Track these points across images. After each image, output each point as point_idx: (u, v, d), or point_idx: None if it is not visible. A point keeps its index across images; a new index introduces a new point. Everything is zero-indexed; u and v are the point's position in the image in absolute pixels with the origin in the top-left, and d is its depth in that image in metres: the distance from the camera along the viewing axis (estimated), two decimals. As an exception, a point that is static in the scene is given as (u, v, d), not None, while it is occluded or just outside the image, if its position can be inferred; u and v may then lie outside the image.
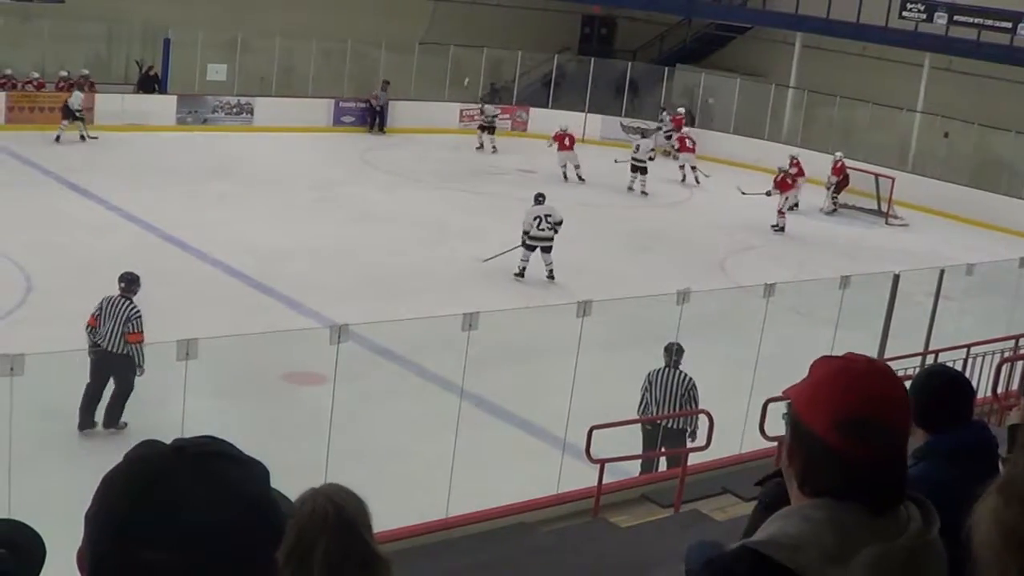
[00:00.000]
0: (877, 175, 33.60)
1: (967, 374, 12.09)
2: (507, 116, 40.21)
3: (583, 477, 12.11)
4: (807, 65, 39.19)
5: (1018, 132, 34.32)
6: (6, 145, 29.70)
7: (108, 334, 13.88)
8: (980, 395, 11.75)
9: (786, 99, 39.86)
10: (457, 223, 26.66)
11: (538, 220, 22.24)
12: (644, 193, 32.51)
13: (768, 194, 30.16)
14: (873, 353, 15.13)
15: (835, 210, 32.97)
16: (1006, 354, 14.91)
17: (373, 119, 38.09)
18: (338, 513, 3.14)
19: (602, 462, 11.78)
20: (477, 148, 36.75)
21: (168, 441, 1.81)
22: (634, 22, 45.62)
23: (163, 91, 35.51)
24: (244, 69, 37.15)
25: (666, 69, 42.32)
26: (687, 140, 35.66)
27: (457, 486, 11.70)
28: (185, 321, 14.67)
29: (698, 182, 34.19)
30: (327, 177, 30.45)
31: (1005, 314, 18.57)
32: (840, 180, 33.29)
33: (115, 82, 35.32)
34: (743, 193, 30.65)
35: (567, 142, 33.72)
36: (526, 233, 22.42)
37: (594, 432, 11.93)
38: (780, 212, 30.00)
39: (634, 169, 32.81)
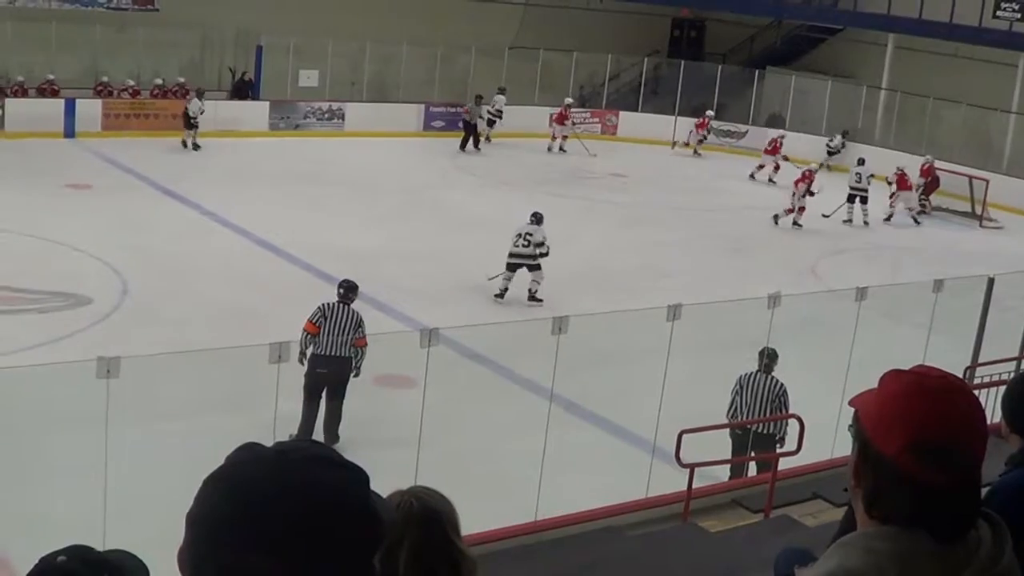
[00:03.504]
0: (971, 177, 33.16)
1: (1063, 379, 11.91)
2: (597, 120, 40.17)
3: (672, 481, 12.08)
4: (899, 66, 38.81)
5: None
6: (102, 151, 30.13)
7: (335, 340, 14.19)
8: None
9: (878, 101, 39.49)
10: (548, 227, 26.63)
11: (517, 236, 21.25)
12: (866, 223, 30.66)
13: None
14: (967, 358, 14.99)
15: (923, 211, 32.55)
16: (1103, 358, 14.68)
17: (467, 136, 36.34)
18: (424, 510, 3.16)
19: (692, 466, 11.74)
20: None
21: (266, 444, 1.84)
22: (724, 24, 45.35)
23: (256, 97, 35.84)
24: (335, 75, 37.39)
25: (756, 72, 42.06)
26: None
27: (546, 489, 11.70)
28: (275, 324, 14.82)
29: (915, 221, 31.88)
30: (418, 181, 30.58)
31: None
32: (929, 182, 32.94)
33: (209, 89, 35.72)
34: (825, 216, 30.38)
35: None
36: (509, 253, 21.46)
37: (684, 436, 11.89)
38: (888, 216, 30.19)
39: (851, 198, 30.65)
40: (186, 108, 31.47)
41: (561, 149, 36.65)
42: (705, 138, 38.77)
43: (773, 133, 37.39)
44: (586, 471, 13.68)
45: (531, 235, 21.22)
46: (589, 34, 41.20)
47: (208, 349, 13.52)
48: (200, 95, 32.25)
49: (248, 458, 1.82)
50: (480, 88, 37.48)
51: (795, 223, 29.19)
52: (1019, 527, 2.40)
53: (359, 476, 1.84)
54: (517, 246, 21.15)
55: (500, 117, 36.74)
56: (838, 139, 37.98)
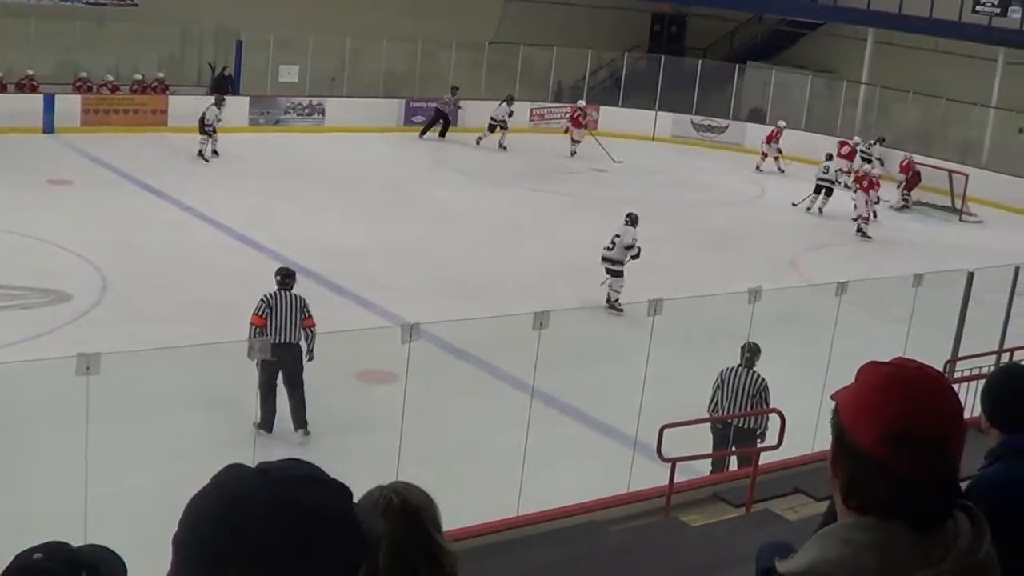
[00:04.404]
0: (951, 172, 33.29)
1: (1043, 373, 11.96)
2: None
3: (654, 476, 12.09)
4: (879, 61, 38.91)
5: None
6: (82, 147, 30.05)
7: (284, 327, 14.21)
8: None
9: (858, 96, 39.59)
10: (529, 222, 26.69)
11: (611, 240, 20.98)
12: (820, 211, 31.15)
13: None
14: (947, 352, 15.05)
15: (905, 207, 32.65)
16: (1082, 352, 14.74)
17: (431, 124, 37.04)
18: (404, 505, 3.15)
19: (673, 461, 11.75)
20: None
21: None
22: (704, 19, 45.43)
23: (236, 92, 35.74)
24: (315, 70, 37.32)
25: (736, 66, 42.09)
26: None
27: (528, 484, 11.73)
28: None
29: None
30: (399, 176, 30.58)
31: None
32: (910, 177, 33.06)
33: (189, 84, 35.62)
34: (794, 205, 30.90)
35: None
36: None
37: (665, 431, 11.91)
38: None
39: (817, 189, 31.32)
40: (203, 115, 30.95)
41: (573, 153, 35.83)
42: (781, 151, 36.65)
43: (756, 127, 37.58)
44: (568, 466, 13.71)
45: (619, 236, 20.92)
46: (569, 29, 41.23)
47: (189, 345, 13.50)
48: (219, 104, 31.32)
49: (231, 478, 1.83)
50: (460, 83, 37.53)
51: (865, 234, 29.31)
52: (997, 520, 2.40)
53: (343, 494, 1.86)
54: (607, 248, 20.91)
55: (505, 127, 36.16)
56: (877, 147, 36.81)
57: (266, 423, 13.93)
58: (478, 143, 35.71)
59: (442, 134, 36.95)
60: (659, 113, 40.22)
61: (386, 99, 37.91)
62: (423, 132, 36.78)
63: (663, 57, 42.32)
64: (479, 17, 40.21)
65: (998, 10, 35.45)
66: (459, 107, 37.34)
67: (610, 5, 42.98)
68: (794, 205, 31.25)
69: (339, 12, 36.82)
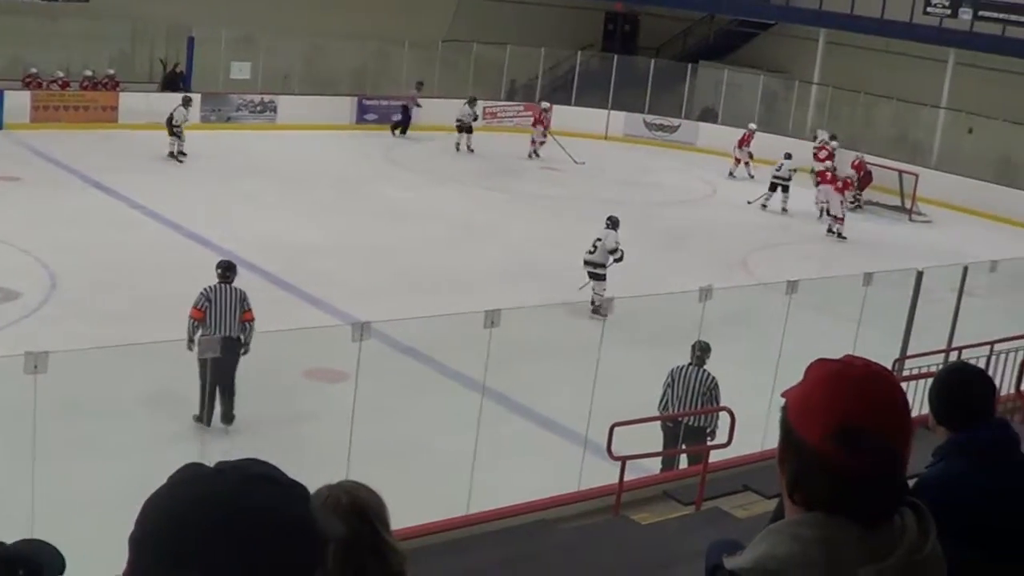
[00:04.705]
0: (901, 171, 33.55)
1: (990, 371, 12.06)
2: (530, 113, 40.17)
3: (604, 474, 12.10)
4: (831, 61, 39.11)
5: (1044, 127, 34.18)
6: (31, 143, 29.83)
7: (223, 320, 14.31)
8: (1003, 392, 11.73)
9: (810, 96, 39.78)
10: (481, 221, 26.68)
11: (592, 244, 20.87)
12: (784, 210, 31.46)
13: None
14: (896, 350, 15.13)
15: (857, 206, 32.80)
16: (1030, 351, 14.83)
17: (400, 122, 37.39)
18: (352, 504, 3.14)
19: (623, 459, 11.77)
20: (457, 148, 35.56)
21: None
22: (657, 19, 45.54)
23: (187, 89, 35.55)
24: (267, 67, 37.18)
25: (689, 66, 42.23)
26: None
27: (479, 483, 11.72)
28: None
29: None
30: (351, 175, 30.52)
31: (1029, 311, 18.49)
32: (862, 177, 33.24)
33: (140, 81, 35.40)
34: (749, 203, 31.29)
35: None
36: None
37: (615, 429, 11.92)
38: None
39: (773, 187, 31.64)
40: (170, 116, 30.75)
41: (536, 154, 35.65)
42: (752, 155, 36.17)
43: (708, 127, 37.74)
44: (518, 465, 13.70)
45: (600, 239, 20.81)
46: (522, 27, 41.26)
47: (138, 344, 13.40)
48: (186, 103, 31.24)
49: (188, 477, 1.82)
50: (413, 82, 37.53)
51: (840, 235, 29.52)
52: (944, 517, 2.41)
53: (299, 493, 1.84)
54: (589, 252, 20.83)
55: (469, 131, 35.58)
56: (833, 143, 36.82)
57: (206, 416, 14.02)
58: (457, 148, 35.18)
59: (403, 132, 37.03)
60: (612, 112, 40.31)
61: (339, 97, 37.80)
62: (402, 131, 36.96)
63: (616, 56, 42.42)
64: (432, 15, 40.19)
65: (949, 11, 35.70)
66: (419, 105, 37.28)
67: (563, 4, 43.07)
68: (749, 203, 31.51)
69: (292, 9, 36.73)
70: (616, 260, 20.68)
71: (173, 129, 30.31)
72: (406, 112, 37.30)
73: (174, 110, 30.52)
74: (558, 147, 35.04)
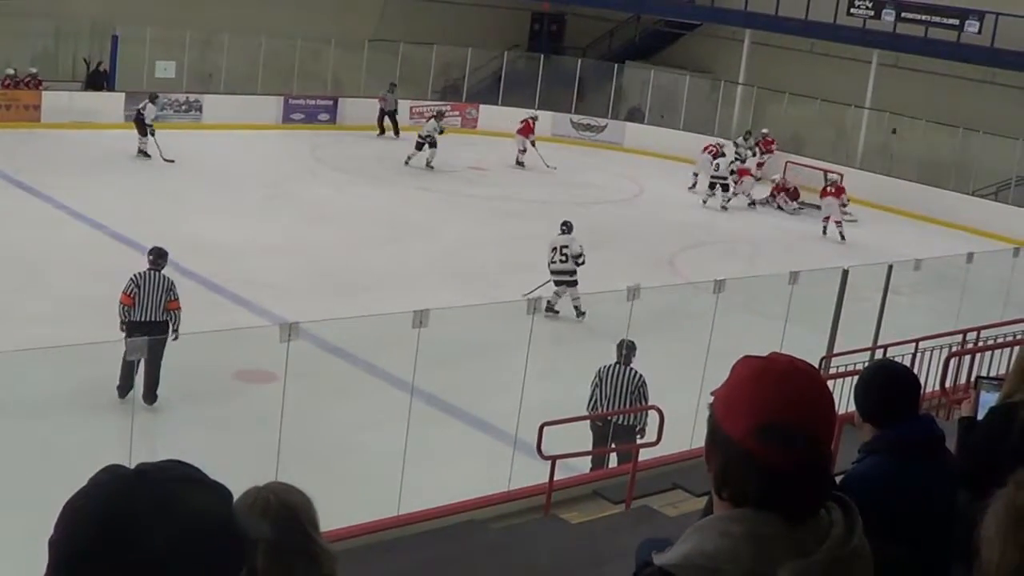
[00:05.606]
0: (826, 171, 33.83)
1: (915, 369, 12.20)
2: (457, 113, 40.15)
3: (534, 474, 12.11)
4: (756, 62, 39.33)
5: (966, 128, 34.54)
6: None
7: (149, 306, 14.73)
8: (928, 389, 11.83)
9: (735, 96, 40.02)
10: (408, 220, 26.63)
11: (554, 252, 20.85)
12: (725, 208, 31.98)
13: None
14: (822, 348, 15.25)
15: (770, 203, 33.19)
16: (954, 348, 15.00)
17: (382, 122, 37.41)
18: (281, 505, 3.13)
19: (553, 459, 11.78)
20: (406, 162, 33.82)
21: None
22: (583, 19, 45.65)
23: (111, 88, 35.23)
24: (192, 66, 36.94)
25: (616, 66, 42.34)
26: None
27: (408, 484, 11.68)
28: (134, 319, 14.63)
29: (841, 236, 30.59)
30: (278, 174, 30.36)
31: (953, 309, 18.67)
32: (791, 190, 33.53)
33: (63, 80, 35.04)
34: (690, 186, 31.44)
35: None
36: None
37: (545, 429, 11.93)
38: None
39: (712, 186, 32.15)
40: (140, 114, 30.54)
41: (519, 163, 35.34)
42: (534, 143, 35.76)
43: (634, 127, 37.93)
44: (448, 465, 13.67)
45: (567, 247, 20.80)
46: (449, 27, 41.21)
47: (62, 346, 13.25)
48: (154, 99, 31.17)
49: (109, 479, 1.80)
50: (340, 80, 37.35)
51: (841, 235, 29.98)
52: (870, 513, 2.43)
53: (222, 494, 1.84)
54: (555, 261, 20.77)
55: (434, 145, 33.54)
56: (746, 142, 37.30)
57: (122, 390, 14.37)
58: (407, 163, 33.42)
59: (396, 133, 37.19)
60: (539, 112, 40.33)
61: (264, 96, 37.58)
62: (395, 131, 37.09)
63: (542, 56, 42.49)
64: (359, 14, 40.08)
65: (872, 13, 36.10)
66: (386, 107, 37.39)
67: (490, 4, 43.07)
68: (704, 203, 32.12)
69: (217, 8, 36.51)
70: (580, 264, 20.71)
71: (145, 127, 30.24)
72: (383, 114, 37.42)
73: (143, 108, 30.52)
74: (517, 152, 35.30)
